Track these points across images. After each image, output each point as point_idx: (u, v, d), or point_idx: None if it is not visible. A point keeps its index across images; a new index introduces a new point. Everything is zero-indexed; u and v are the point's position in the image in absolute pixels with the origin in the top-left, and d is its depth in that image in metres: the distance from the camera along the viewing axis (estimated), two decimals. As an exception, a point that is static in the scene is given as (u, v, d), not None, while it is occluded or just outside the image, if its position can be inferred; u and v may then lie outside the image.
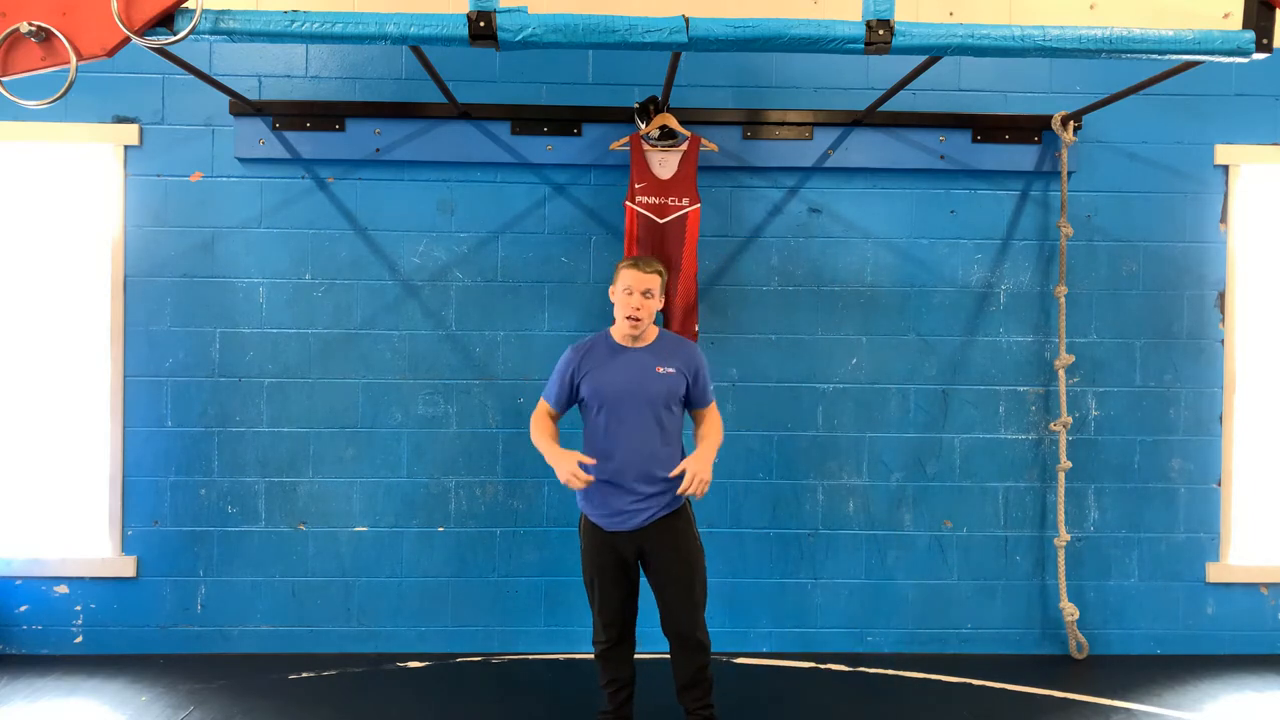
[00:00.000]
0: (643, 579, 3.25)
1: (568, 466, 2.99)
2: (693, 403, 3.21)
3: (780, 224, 4.29)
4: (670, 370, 3.12)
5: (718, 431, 3.19)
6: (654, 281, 3.12)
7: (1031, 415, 4.30)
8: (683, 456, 3.16)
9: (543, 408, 3.27)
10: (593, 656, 3.31)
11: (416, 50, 3.30)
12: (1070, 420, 4.20)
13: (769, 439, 4.25)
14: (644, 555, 3.15)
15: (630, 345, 3.17)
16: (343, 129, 4.15)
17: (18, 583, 4.17)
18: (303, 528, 4.22)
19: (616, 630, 3.21)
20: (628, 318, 3.10)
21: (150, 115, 4.18)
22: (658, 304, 3.15)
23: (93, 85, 4.02)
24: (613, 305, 3.20)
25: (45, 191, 4.21)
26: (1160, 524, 4.32)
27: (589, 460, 3.02)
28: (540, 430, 3.19)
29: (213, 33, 2.75)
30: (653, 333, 3.21)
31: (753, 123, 4.20)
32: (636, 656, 3.31)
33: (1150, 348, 4.32)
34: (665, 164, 4.02)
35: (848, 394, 4.29)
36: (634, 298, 3.09)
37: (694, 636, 3.13)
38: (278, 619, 4.21)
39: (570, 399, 3.23)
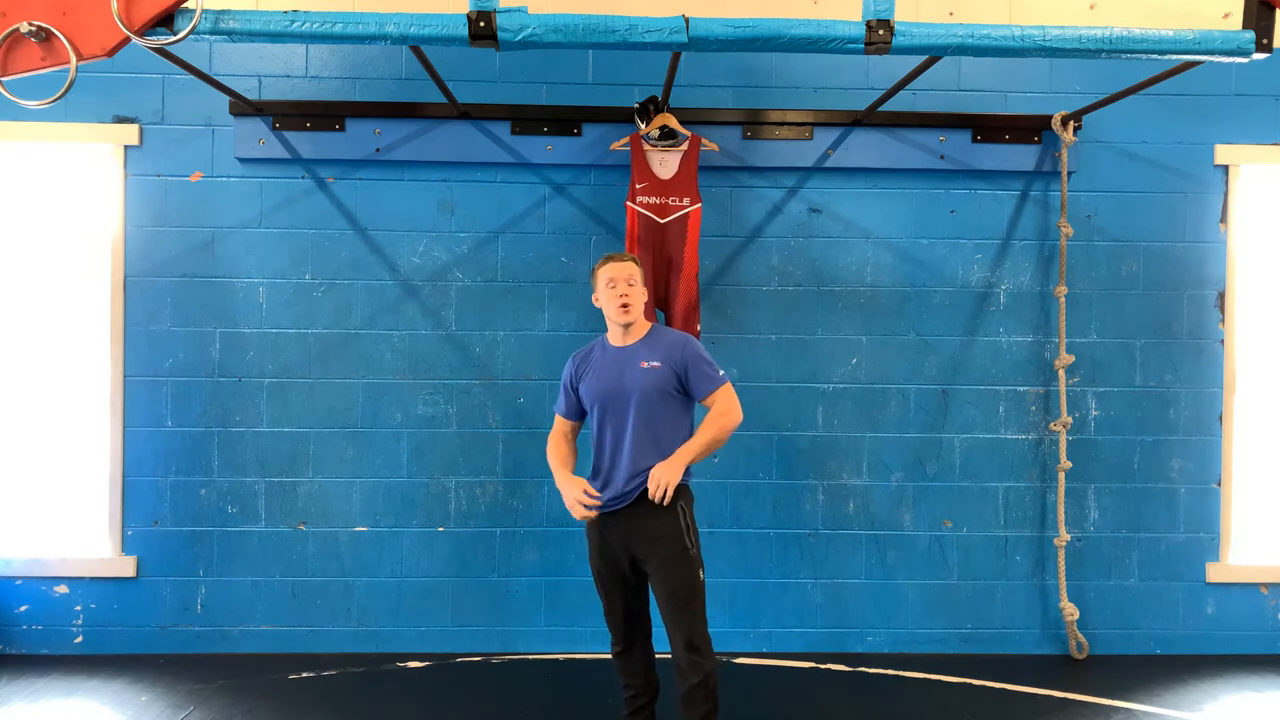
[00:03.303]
0: None
1: (573, 494, 3.02)
2: (693, 394, 3.08)
3: (780, 224, 4.29)
4: (655, 364, 3.03)
5: (710, 429, 3.01)
6: (633, 270, 3.09)
7: (1031, 415, 4.30)
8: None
9: (558, 426, 3.27)
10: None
11: (416, 50, 3.30)
12: (1070, 420, 4.21)
13: (769, 439, 4.25)
14: (635, 563, 3.06)
15: (622, 344, 3.13)
16: (343, 129, 4.15)
17: (18, 583, 4.17)
18: (303, 528, 4.22)
19: (621, 636, 3.16)
20: (620, 306, 3.04)
21: (150, 115, 4.19)
22: (643, 292, 3.11)
23: (93, 85, 4.02)
24: (601, 311, 3.16)
25: (45, 191, 4.21)
26: (1160, 524, 4.32)
27: (595, 493, 3.02)
28: (554, 454, 3.21)
29: (213, 33, 2.75)
30: (644, 328, 3.14)
31: (753, 123, 4.20)
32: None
33: (1150, 348, 4.32)
34: (666, 164, 4.02)
35: (848, 394, 4.29)
36: (618, 287, 3.05)
37: (680, 653, 2.98)
38: (278, 619, 4.21)
39: (578, 406, 3.21)
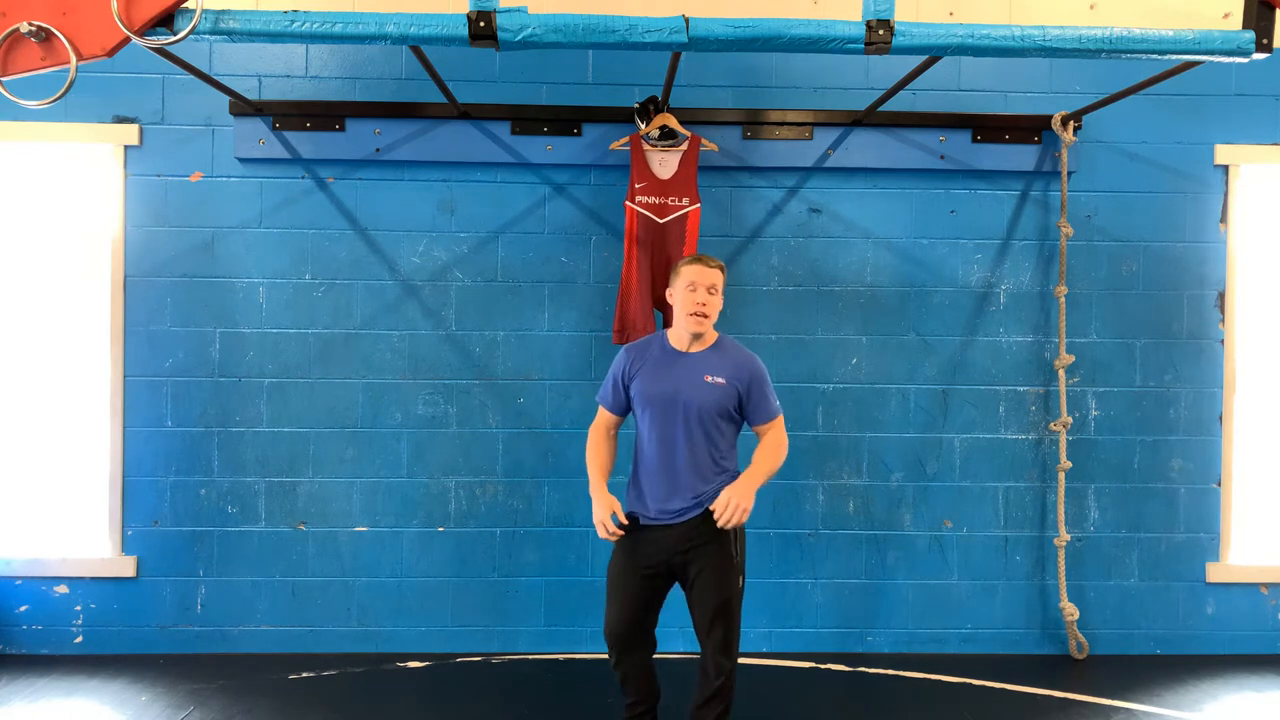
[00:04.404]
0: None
1: (600, 514, 2.90)
2: (748, 418, 3.00)
3: (780, 224, 4.29)
4: (719, 380, 2.91)
5: (770, 455, 2.96)
6: (718, 277, 2.96)
7: (1031, 415, 4.30)
8: (733, 474, 2.98)
9: (601, 419, 3.12)
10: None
11: (416, 50, 3.30)
12: (1070, 420, 4.20)
13: (769, 439, 4.24)
14: (674, 571, 2.97)
15: (685, 350, 2.99)
16: (343, 129, 4.15)
17: (18, 583, 4.17)
18: (303, 528, 4.22)
19: (616, 644, 3.01)
20: (691, 314, 2.91)
21: (150, 115, 4.19)
22: (720, 302, 2.99)
23: (93, 85, 4.02)
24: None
25: (45, 191, 4.21)
26: (1160, 524, 4.32)
27: (624, 520, 2.92)
28: (594, 457, 3.06)
29: (213, 33, 2.75)
30: (712, 338, 3.02)
31: (753, 123, 4.20)
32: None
33: (1150, 348, 4.32)
34: (665, 164, 4.02)
35: (848, 394, 4.29)
36: (698, 293, 2.92)
37: (708, 657, 2.97)
38: (278, 619, 4.21)
39: (625, 403, 3.07)
